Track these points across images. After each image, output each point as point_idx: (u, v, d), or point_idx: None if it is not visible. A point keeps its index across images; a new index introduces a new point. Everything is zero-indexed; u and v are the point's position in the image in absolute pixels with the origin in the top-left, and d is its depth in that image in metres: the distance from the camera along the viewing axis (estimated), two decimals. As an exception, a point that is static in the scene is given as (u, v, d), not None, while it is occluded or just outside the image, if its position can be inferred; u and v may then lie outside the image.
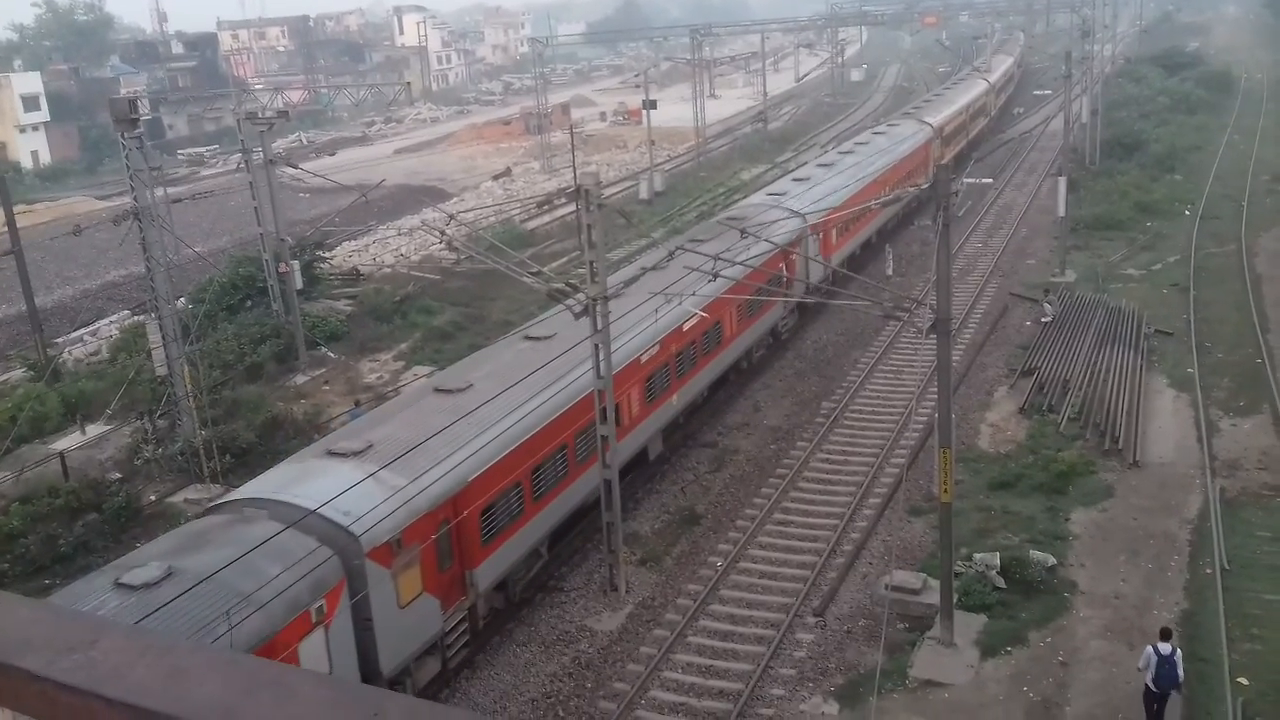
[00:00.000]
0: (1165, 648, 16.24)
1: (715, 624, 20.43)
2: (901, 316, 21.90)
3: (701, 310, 26.61)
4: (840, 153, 46.96)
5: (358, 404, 30.07)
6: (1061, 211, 39.88)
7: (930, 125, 53.72)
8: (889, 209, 44.68)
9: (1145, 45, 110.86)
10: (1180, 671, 16.19)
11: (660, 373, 25.76)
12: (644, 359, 24.83)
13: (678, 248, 26.13)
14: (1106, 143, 58.64)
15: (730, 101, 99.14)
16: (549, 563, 22.34)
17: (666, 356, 25.95)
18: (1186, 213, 47.92)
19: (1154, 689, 16.18)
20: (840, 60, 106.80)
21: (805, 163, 51.49)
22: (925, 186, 19.60)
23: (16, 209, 38.67)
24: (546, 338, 23.81)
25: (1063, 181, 39.50)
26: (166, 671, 1.62)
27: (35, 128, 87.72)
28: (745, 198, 41.12)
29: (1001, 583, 20.34)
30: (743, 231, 23.31)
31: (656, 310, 24.24)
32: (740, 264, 25.44)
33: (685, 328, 26.51)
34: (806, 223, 33.85)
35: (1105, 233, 45.61)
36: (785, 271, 32.64)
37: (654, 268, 27.19)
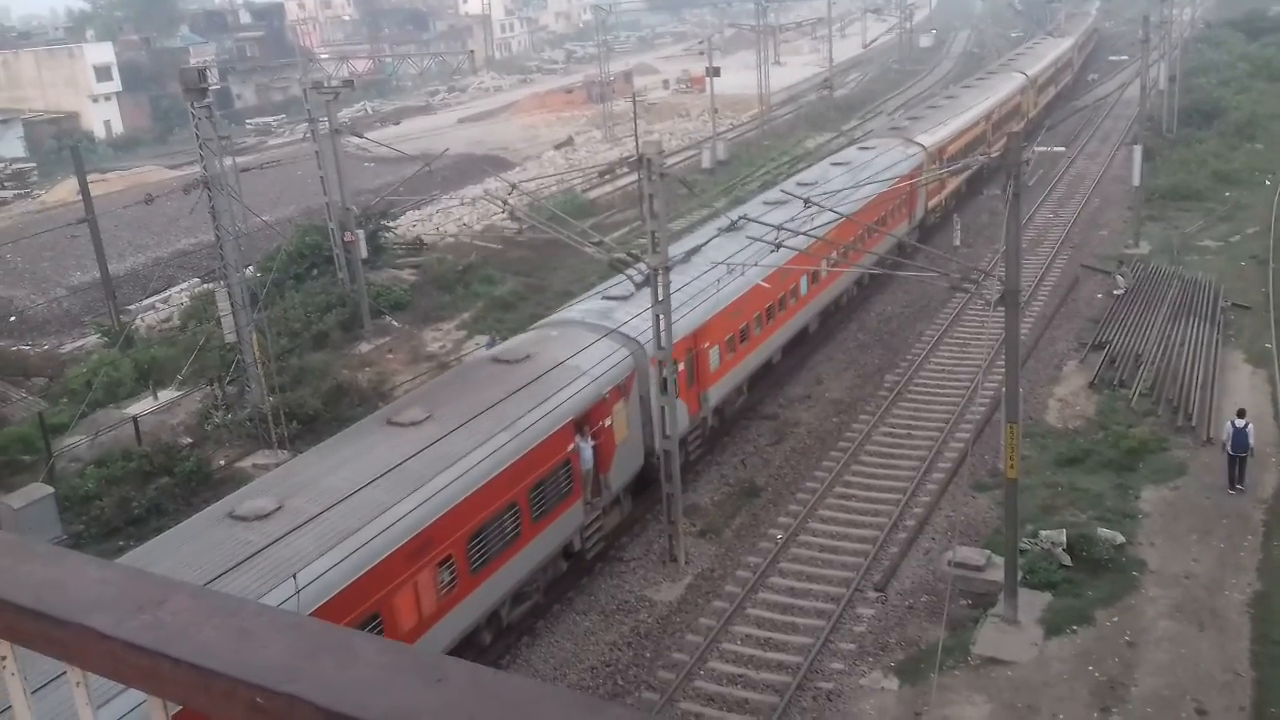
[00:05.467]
0: (1240, 422, 22.02)
1: (775, 597, 20.40)
2: (969, 288, 21.51)
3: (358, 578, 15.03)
4: (767, 204, 30.84)
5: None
6: (1136, 181, 38.87)
7: (922, 147, 40.03)
8: (830, 286, 31.58)
9: (1225, 9, 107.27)
10: (1250, 440, 21.93)
11: None
12: None
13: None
14: (1184, 110, 56.97)
15: (795, 68, 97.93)
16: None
17: None
18: (1267, 183, 46.42)
19: (1231, 453, 22.07)
20: (909, 25, 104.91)
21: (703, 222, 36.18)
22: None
23: (90, 178, 39.57)
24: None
25: (1138, 150, 38.47)
26: (232, 633, 1.61)
27: (108, 97, 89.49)
28: (558, 311, 25.96)
29: (1068, 560, 20.03)
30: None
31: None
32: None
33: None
34: (646, 352, 22.14)
35: (1181, 203, 44.39)
36: (590, 450, 20.71)
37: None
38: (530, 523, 18.77)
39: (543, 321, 24.86)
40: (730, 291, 25.24)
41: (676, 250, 25.89)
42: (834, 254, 30.56)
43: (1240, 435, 21.97)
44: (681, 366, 23.45)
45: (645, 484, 23.40)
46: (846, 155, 39.51)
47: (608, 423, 21.24)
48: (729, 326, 25.53)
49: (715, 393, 25.47)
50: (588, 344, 21.52)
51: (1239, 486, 22.20)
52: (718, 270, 24.50)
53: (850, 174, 33.41)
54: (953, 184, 43.93)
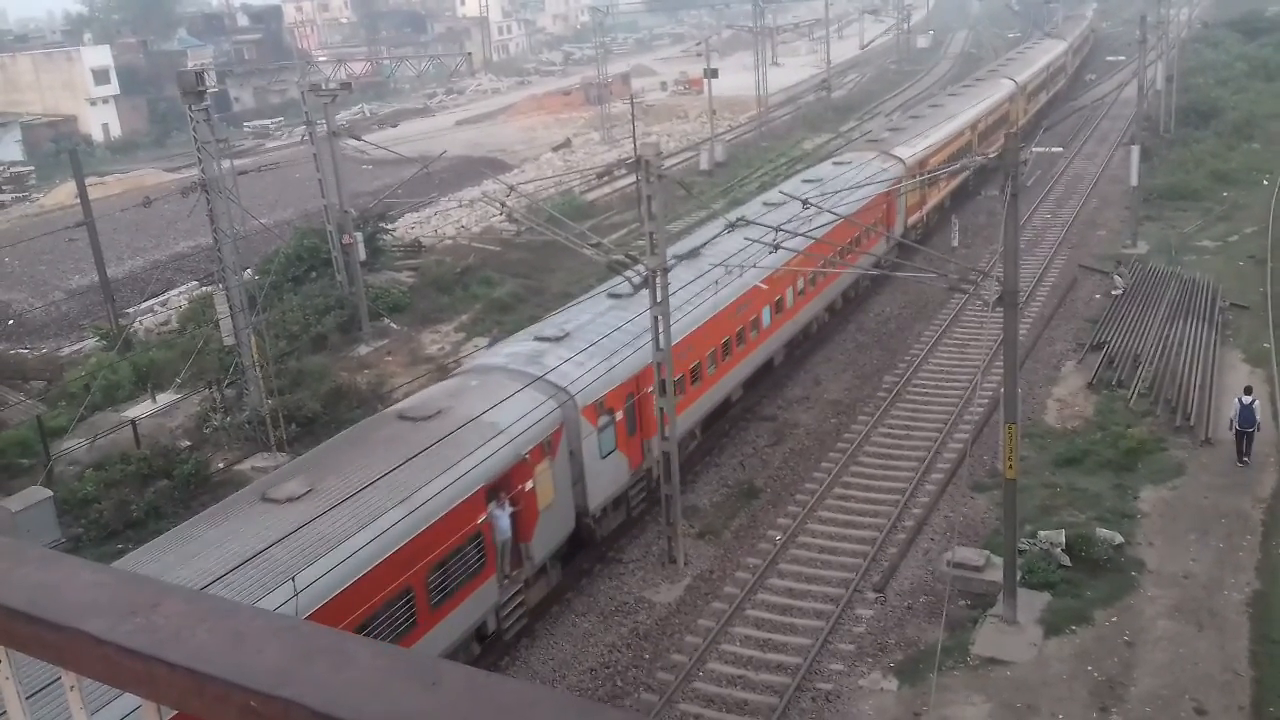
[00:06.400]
0: (1247, 399, 23.05)
1: (774, 598, 20.39)
2: (967, 289, 21.53)
3: None
4: (731, 226, 25.06)
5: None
6: (1134, 181, 38.88)
7: (901, 160, 37.93)
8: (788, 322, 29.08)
9: (1223, 9, 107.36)
10: (1257, 416, 22.99)
11: None
12: None
13: None
14: (1182, 110, 57.03)
15: (793, 69, 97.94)
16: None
17: None
18: (1265, 182, 46.45)
19: (1239, 429, 23.01)
20: (906, 26, 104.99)
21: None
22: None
23: (88, 181, 39.51)
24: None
25: (1135, 150, 38.49)
26: (227, 636, 1.61)
27: (105, 101, 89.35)
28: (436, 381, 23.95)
29: (1066, 561, 20.04)
30: None
31: None
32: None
33: None
34: (576, 403, 20.36)
35: (1179, 203, 44.43)
36: (507, 519, 18.71)
37: None
38: (429, 609, 16.52)
39: (463, 368, 22.86)
40: (679, 328, 22.74)
41: (624, 288, 24.25)
42: (801, 281, 29.08)
43: (1247, 411, 22.92)
44: (620, 415, 21.54)
45: (579, 546, 21.39)
46: (819, 171, 37.16)
47: (529, 486, 18.98)
48: (677, 366, 22.79)
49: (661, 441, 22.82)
50: (509, 395, 19.03)
51: (1245, 460, 23.09)
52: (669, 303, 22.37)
53: (821, 192, 29.03)
54: (935, 197, 42.21)
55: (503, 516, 18.42)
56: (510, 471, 18.42)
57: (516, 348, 22.43)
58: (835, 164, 38.08)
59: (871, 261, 33.40)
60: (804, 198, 22.64)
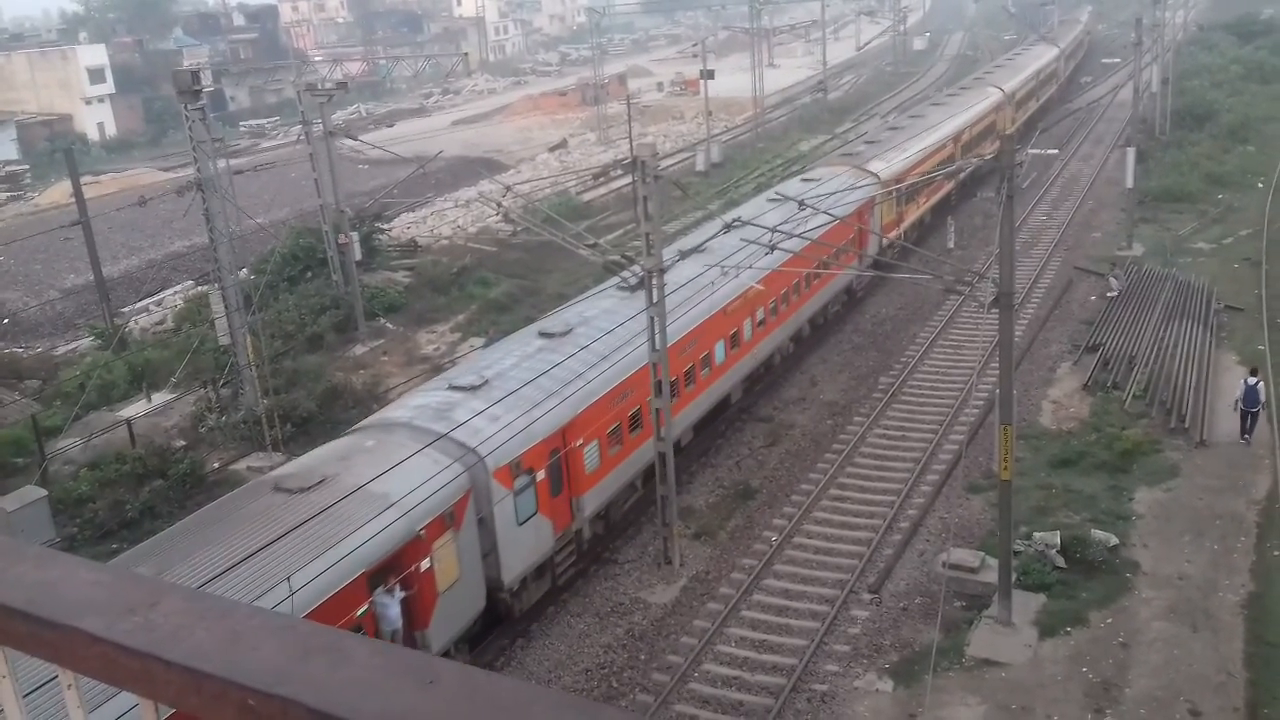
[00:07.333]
0: (1252, 380, 23.91)
1: (769, 599, 20.40)
2: (962, 290, 21.55)
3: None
4: (682, 252, 25.42)
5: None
6: (1129, 183, 38.93)
7: (876, 176, 35.28)
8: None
9: (1218, 12, 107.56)
10: (1261, 396, 23.79)
11: None
12: None
13: None
14: (1177, 113, 57.12)
15: (789, 71, 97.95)
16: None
17: None
18: (1259, 185, 46.57)
19: (1244, 409, 23.78)
20: (902, 28, 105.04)
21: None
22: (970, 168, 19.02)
23: (83, 180, 39.45)
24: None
25: (1131, 152, 38.54)
26: (224, 635, 1.61)
27: (101, 100, 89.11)
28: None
29: (1061, 562, 20.07)
30: None
31: None
32: None
33: None
34: (487, 465, 18.18)
35: (1174, 205, 44.51)
36: (397, 607, 16.26)
37: None
38: None
39: (363, 423, 20.12)
40: (615, 373, 21.19)
41: (556, 324, 23.29)
42: (761, 311, 27.44)
43: (1252, 392, 23.77)
44: (541, 475, 19.33)
45: (495, 623, 19.11)
46: (787, 188, 33.50)
47: (425, 565, 16.47)
48: (613, 414, 21.16)
49: (594, 498, 21.02)
50: (404, 458, 16.56)
51: (1246, 437, 23.97)
52: (606, 342, 21.47)
53: (788, 212, 25.08)
54: (914, 214, 40.41)
55: (391, 604, 15.98)
56: (401, 551, 15.98)
57: (426, 399, 19.95)
58: (804, 180, 35.32)
59: (843, 285, 33.07)
60: (798, 199, 22.59)
